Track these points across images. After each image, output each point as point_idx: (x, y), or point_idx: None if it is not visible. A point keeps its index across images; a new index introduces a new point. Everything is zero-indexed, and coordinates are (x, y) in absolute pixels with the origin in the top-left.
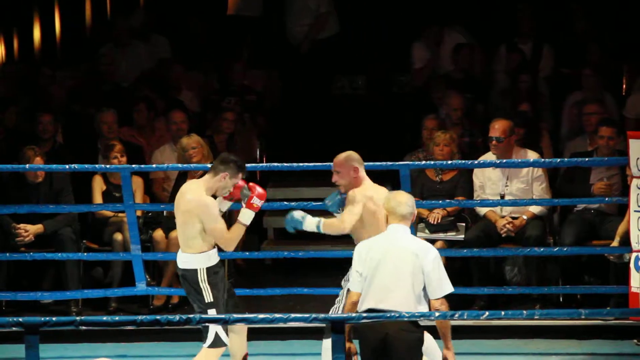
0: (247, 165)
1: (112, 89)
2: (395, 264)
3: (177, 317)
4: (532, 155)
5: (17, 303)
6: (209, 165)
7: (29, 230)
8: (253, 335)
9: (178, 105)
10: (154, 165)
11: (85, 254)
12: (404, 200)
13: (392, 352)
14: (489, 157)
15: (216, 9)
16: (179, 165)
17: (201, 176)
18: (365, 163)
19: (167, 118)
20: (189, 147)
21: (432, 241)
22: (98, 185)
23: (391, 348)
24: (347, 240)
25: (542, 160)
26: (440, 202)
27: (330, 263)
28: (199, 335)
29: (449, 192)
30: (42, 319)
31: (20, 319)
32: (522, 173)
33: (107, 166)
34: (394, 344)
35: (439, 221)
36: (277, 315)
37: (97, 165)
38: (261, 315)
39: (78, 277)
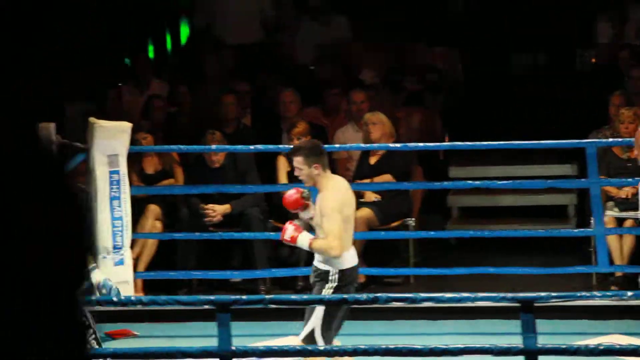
0: (431, 144)
1: (294, 69)
2: None
3: (365, 296)
4: None
5: (207, 282)
6: (391, 145)
7: (217, 211)
8: (440, 315)
9: (358, 85)
10: (336, 145)
11: (272, 233)
12: None
13: None
14: None
15: None
16: (361, 144)
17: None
18: (550, 141)
19: (348, 98)
20: (370, 122)
21: (622, 220)
22: (283, 166)
23: None
24: (534, 219)
25: None
26: (630, 179)
27: (517, 242)
28: (386, 315)
29: (638, 170)
30: (233, 297)
31: (212, 297)
32: None
33: (291, 146)
34: None
35: (629, 197)
36: (465, 295)
37: (280, 146)
38: (448, 295)
39: (266, 256)
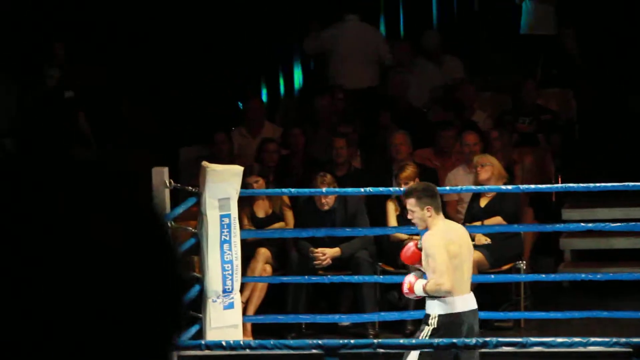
0: (544, 186)
1: (406, 110)
2: None
3: (474, 341)
4: None
5: (316, 325)
6: (502, 187)
7: (326, 254)
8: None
9: (471, 127)
10: (447, 187)
11: (381, 276)
12: None
13: None
14: None
15: (509, 28)
16: (472, 187)
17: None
18: None
19: (461, 140)
20: (479, 164)
21: None
22: (392, 209)
23: None
24: None
25: None
26: None
27: (631, 285)
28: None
29: None
30: (341, 341)
31: (320, 342)
32: None
33: (401, 189)
34: None
35: None
36: (576, 339)
37: (391, 189)
38: (559, 339)
39: (375, 300)
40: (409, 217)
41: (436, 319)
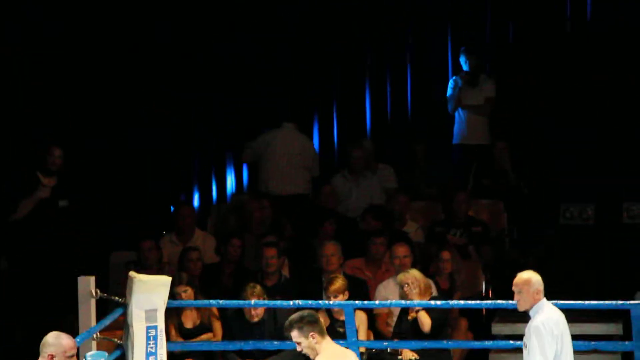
0: (472, 302)
1: (338, 220)
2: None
3: None
4: None
5: None
6: (432, 302)
7: None
8: None
9: (402, 238)
10: (376, 302)
11: None
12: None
13: None
14: None
15: (441, 135)
16: (402, 301)
17: None
18: (591, 302)
19: (391, 251)
20: (404, 284)
21: None
22: (322, 321)
23: None
24: None
25: None
26: None
27: None
28: None
29: None
30: None
31: None
32: None
33: (330, 302)
34: None
35: None
36: None
37: (320, 302)
38: None
39: None
40: (298, 349)
41: None
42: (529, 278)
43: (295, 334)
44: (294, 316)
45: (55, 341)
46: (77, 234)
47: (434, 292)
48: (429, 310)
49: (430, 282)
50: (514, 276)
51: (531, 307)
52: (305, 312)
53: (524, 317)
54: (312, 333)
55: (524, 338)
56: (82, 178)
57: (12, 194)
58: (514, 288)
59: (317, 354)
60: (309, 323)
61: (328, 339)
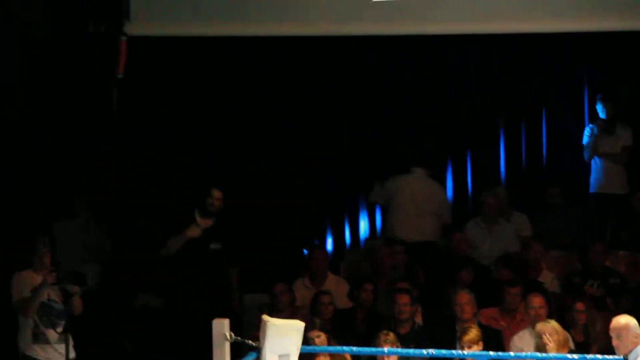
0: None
1: (472, 268)
2: None
3: None
4: None
5: None
6: (568, 356)
7: None
8: None
9: (537, 288)
10: (511, 354)
11: None
12: None
13: None
14: None
15: (577, 184)
16: (537, 354)
17: None
18: None
19: (526, 301)
20: (542, 333)
21: None
22: None
23: None
24: None
25: None
26: None
27: None
28: None
29: None
30: None
31: None
32: None
33: (465, 352)
34: None
35: None
36: None
37: (454, 352)
38: None
39: None
40: None
41: None
42: (627, 323)
43: None
44: None
45: None
46: (219, 276)
47: (572, 346)
48: None
49: (568, 335)
50: None
51: (630, 352)
52: None
53: None
54: None
55: None
56: (239, 223)
57: (163, 230)
58: (611, 333)
59: None
60: None
61: None
